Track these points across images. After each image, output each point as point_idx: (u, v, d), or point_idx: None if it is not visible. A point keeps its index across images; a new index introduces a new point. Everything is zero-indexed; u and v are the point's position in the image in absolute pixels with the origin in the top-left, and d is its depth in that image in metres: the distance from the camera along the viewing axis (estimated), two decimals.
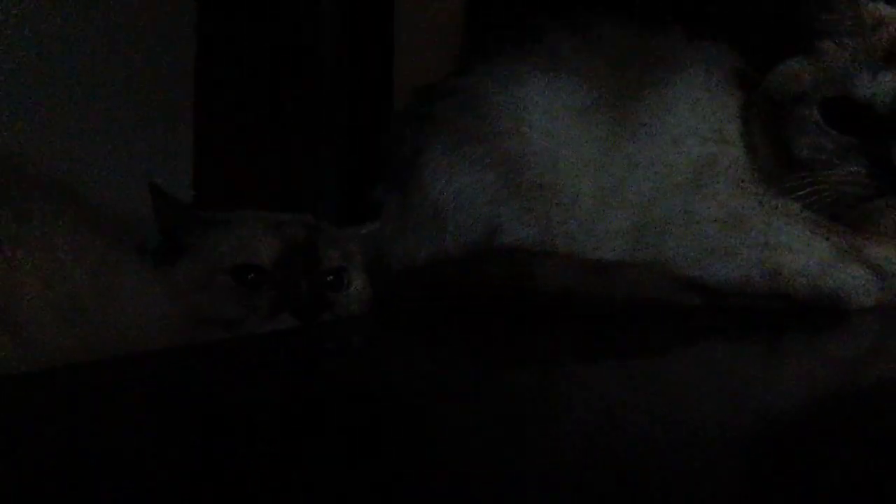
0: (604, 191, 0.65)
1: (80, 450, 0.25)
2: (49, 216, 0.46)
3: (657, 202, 0.64)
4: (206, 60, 0.89)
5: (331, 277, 0.61)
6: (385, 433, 0.27)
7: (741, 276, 0.61)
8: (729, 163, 0.63)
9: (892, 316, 0.64)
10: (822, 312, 0.61)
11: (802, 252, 0.61)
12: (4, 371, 0.37)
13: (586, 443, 0.26)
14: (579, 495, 0.20)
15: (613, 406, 0.32)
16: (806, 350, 0.50)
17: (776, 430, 0.28)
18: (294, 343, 0.54)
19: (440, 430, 0.28)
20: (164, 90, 0.85)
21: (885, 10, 0.60)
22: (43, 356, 0.39)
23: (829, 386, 0.37)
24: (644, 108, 0.66)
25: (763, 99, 0.64)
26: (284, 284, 0.58)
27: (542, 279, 0.62)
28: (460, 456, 0.24)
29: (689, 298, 0.61)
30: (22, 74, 0.68)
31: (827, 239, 0.61)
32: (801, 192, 0.60)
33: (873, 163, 0.56)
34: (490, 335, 0.55)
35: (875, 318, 0.62)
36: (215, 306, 0.56)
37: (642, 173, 0.65)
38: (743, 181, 0.63)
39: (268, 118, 1.00)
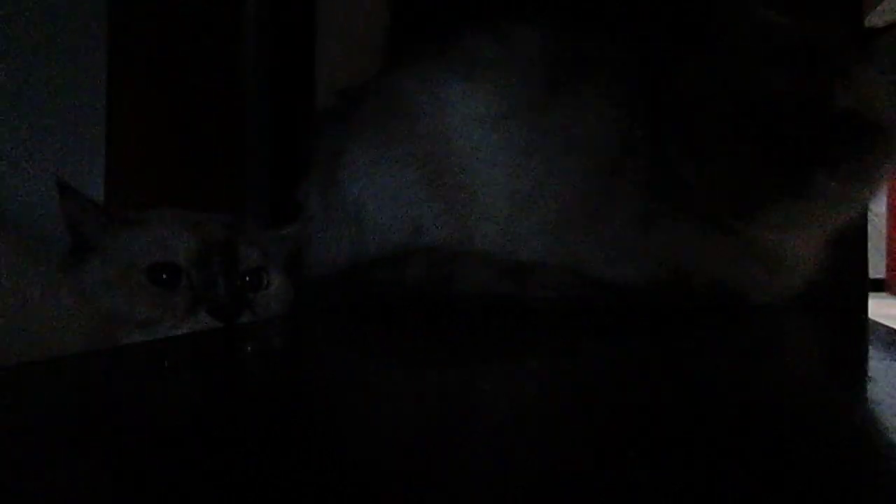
0: (520, 195, 0.66)
1: None
2: None
3: (570, 206, 0.66)
4: (121, 53, 0.86)
5: (249, 277, 0.61)
6: (301, 435, 0.28)
7: (648, 275, 0.64)
8: (636, 168, 0.65)
9: (787, 311, 0.68)
10: (724, 309, 0.64)
11: (704, 250, 0.64)
12: None
13: (503, 441, 0.27)
14: (493, 493, 0.21)
15: (526, 405, 0.33)
16: (703, 348, 0.52)
17: (667, 422, 0.30)
18: (211, 345, 0.53)
19: (357, 431, 0.29)
20: (74, 85, 0.82)
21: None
22: None
23: (722, 384, 0.39)
24: (557, 115, 0.67)
25: (675, 98, 0.64)
26: (202, 284, 0.57)
27: (460, 280, 0.63)
28: (377, 457, 0.25)
29: (601, 298, 0.63)
30: None
31: (729, 236, 0.63)
32: (710, 188, 0.62)
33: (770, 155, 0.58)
34: (413, 336, 0.55)
35: (771, 313, 0.66)
36: (129, 307, 0.55)
37: (556, 179, 0.66)
38: (650, 184, 0.65)
39: (187, 116, 0.97)
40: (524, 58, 0.69)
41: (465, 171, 0.67)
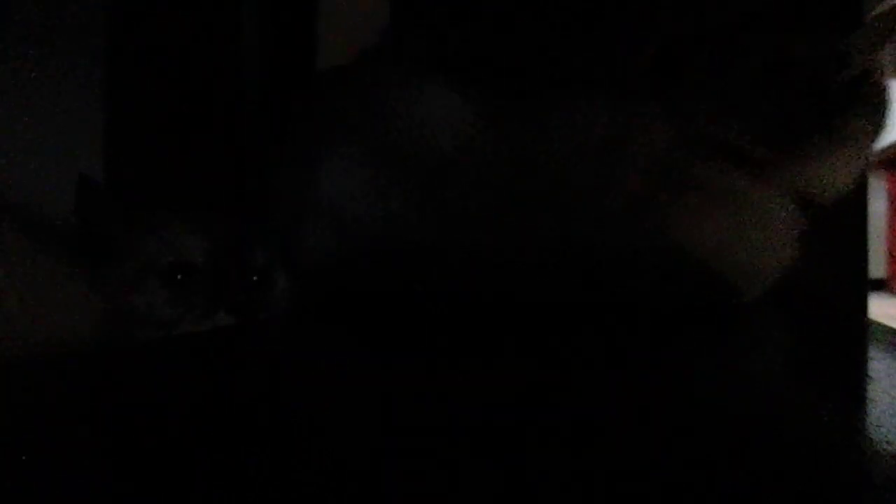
0: (501, 183, 0.62)
1: None
2: None
3: (560, 193, 0.61)
4: (119, 48, 0.86)
5: (260, 276, 0.62)
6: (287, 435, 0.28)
7: (639, 263, 0.60)
8: (633, 142, 0.61)
9: (787, 310, 0.68)
10: (721, 307, 0.62)
11: (700, 232, 0.60)
12: None
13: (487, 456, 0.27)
14: None
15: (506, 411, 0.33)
16: (702, 348, 0.51)
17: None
18: (217, 345, 0.53)
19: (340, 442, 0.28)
20: (72, 84, 0.81)
21: None
22: None
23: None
24: (544, 99, 0.63)
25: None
26: (217, 283, 0.58)
27: (440, 278, 0.60)
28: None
29: (592, 298, 0.59)
30: None
31: (726, 215, 0.60)
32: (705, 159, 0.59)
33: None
34: (392, 346, 0.54)
35: (771, 312, 0.66)
36: (149, 307, 0.56)
37: (541, 161, 0.62)
38: (647, 160, 0.61)
39: (186, 113, 0.97)
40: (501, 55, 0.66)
41: (437, 160, 0.63)
